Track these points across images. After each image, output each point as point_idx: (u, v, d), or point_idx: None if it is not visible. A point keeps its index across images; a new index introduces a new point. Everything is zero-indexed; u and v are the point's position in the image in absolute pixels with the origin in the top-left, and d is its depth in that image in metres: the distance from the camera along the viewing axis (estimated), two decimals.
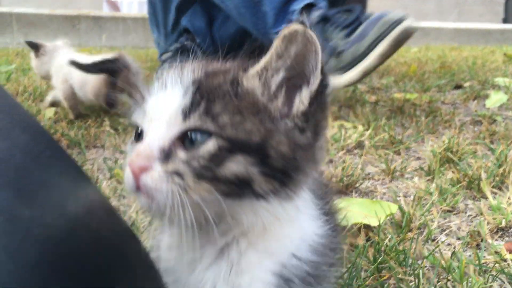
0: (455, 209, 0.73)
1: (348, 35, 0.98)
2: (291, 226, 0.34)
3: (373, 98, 1.41)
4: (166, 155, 0.30)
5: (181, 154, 0.30)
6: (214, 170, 0.29)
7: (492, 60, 2.06)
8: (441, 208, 0.72)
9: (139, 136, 0.33)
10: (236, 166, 0.29)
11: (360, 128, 1.06)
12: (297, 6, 1.07)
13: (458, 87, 1.57)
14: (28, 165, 0.26)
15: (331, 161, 0.92)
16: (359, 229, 0.65)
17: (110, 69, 1.12)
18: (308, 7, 1.08)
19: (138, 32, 3.77)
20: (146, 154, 0.30)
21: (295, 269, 0.33)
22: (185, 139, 0.30)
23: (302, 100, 0.32)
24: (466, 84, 1.57)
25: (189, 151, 0.30)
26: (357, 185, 0.80)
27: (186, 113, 0.30)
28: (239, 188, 0.30)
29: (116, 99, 1.19)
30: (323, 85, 0.32)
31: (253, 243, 0.33)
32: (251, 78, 0.32)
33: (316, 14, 1.04)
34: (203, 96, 0.30)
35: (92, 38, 3.66)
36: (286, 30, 0.31)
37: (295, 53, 0.31)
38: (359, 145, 0.99)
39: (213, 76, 0.32)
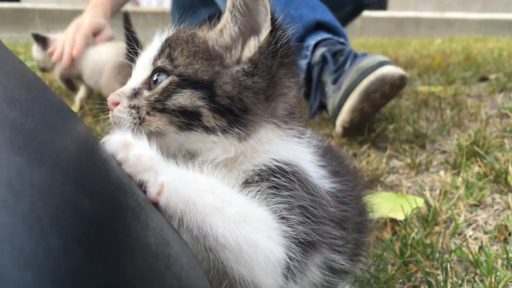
0: (481, 203, 0.72)
1: (334, 81, 0.91)
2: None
3: None
4: (135, 94, 0.38)
5: (145, 92, 0.38)
6: (163, 102, 0.36)
7: None
8: (467, 202, 0.71)
9: None
10: (183, 98, 0.36)
11: (384, 122, 1.05)
12: (311, 41, 1.01)
13: (483, 79, 1.54)
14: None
15: (355, 155, 0.92)
16: (385, 223, 0.65)
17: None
18: (325, 41, 1.02)
19: (158, 26, 3.78)
20: (120, 92, 0.38)
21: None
22: (152, 80, 0.38)
23: (249, 48, 0.38)
24: (492, 76, 1.55)
25: (151, 90, 0.37)
26: (382, 179, 0.80)
27: (155, 60, 0.38)
28: (189, 120, 0.36)
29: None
30: (275, 36, 0.38)
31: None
32: (206, 31, 0.40)
33: (319, 53, 0.98)
34: (169, 46, 0.38)
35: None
36: None
37: (246, 9, 0.37)
38: (383, 138, 0.98)
39: (181, 32, 0.40)
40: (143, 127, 0.36)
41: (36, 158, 0.23)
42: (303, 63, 1.02)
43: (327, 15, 1.09)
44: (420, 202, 0.68)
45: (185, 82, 0.36)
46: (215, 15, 1.40)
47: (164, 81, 0.36)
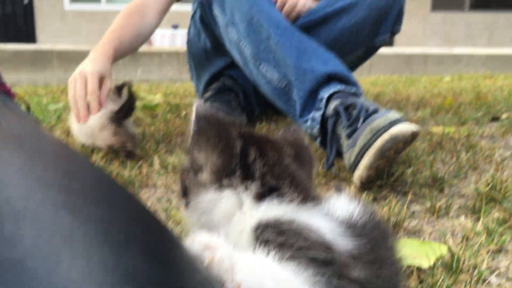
0: (503, 249, 0.74)
1: (349, 136, 0.94)
2: None
3: None
4: None
5: None
6: None
7: None
8: (489, 249, 0.74)
9: None
10: None
11: (401, 165, 1.08)
12: (325, 94, 1.04)
13: (495, 119, 1.58)
14: None
15: (375, 199, 0.95)
16: (411, 271, 0.67)
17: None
18: (337, 93, 1.05)
19: (172, 65, 3.91)
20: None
21: None
22: None
23: None
24: (503, 116, 1.58)
25: None
26: (404, 224, 0.83)
27: None
28: None
29: (133, 148, 1.19)
30: None
31: None
32: None
33: (332, 106, 1.01)
34: None
35: (129, 73, 3.82)
36: None
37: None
38: (402, 182, 1.01)
39: None
40: None
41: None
42: (318, 114, 1.07)
43: (338, 66, 1.14)
44: (444, 249, 0.70)
45: None
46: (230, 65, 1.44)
47: None
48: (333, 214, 0.40)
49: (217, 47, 1.48)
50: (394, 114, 0.93)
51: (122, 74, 3.91)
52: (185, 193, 0.42)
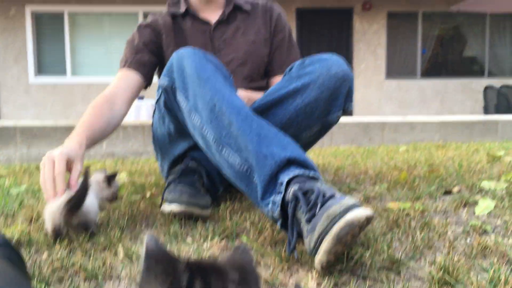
0: None
1: (308, 221, 0.99)
2: None
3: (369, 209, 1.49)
4: None
5: None
6: None
7: (477, 160, 2.19)
8: None
9: None
10: None
11: (360, 247, 1.12)
12: (285, 178, 1.09)
13: (447, 192, 1.67)
14: None
15: (336, 284, 0.98)
16: None
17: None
18: (299, 177, 1.10)
19: (137, 138, 3.94)
20: None
21: None
22: None
23: None
24: (455, 190, 1.67)
25: None
26: None
27: None
28: None
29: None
30: None
31: None
32: None
33: (291, 191, 1.06)
34: None
35: (94, 146, 3.80)
36: None
37: None
38: (361, 265, 1.05)
39: None
40: None
41: None
42: (278, 198, 1.11)
43: (297, 151, 1.20)
44: None
45: None
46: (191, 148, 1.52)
47: None
48: None
49: (181, 131, 1.54)
50: (348, 200, 0.99)
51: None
52: None
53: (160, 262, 0.43)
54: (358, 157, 2.61)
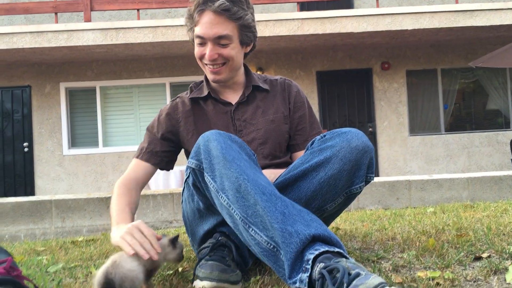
0: None
1: None
2: None
3: (398, 279, 1.49)
4: None
5: None
6: None
7: (506, 222, 2.17)
8: None
9: None
10: None
11: None
12: (311, 255, 1.14)
13: (477, 258, 1.66)
14: None
15: None
16: None
17: None
18: (324, 254, 1.15)
19: (167, 207, 4.04)
20: None
21: None
22: None
23: None
24: (484, 255, 1.66)
25: None
26: None
27: None
28: None
29: None
30: None
31: None
32: None
33: (317, 270, 1.10)
34: None
35: None
36: None
37: None
38: None
39: None
40: None
41: None
42: (305, 276, 1.15)
43: (321, 228, 1.25)
44: None
45: None
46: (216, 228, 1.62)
47: None
48: None
49: (210, 207, 1.61)
50: (373, 280, 1.02)
51: None
52: None
53: None
54: (386, 221, 2.61)
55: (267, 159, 1.85)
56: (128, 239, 1.35)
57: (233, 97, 1.93)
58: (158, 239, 1.44)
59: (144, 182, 1.86)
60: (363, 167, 1.55)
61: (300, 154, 1.83)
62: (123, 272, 1.25)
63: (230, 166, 1.40)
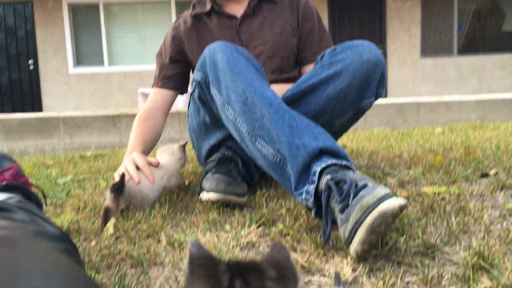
0: None
1: (341, 211, 1.01)
2: None
3: (403, 193, 1.50)
4: None
5: None
6: None
7: None
8: None
9: None
10: None
11: (394, 233, 1.14)
12: (318, 168, 1.11)
13: (484, 175, 1.65)
14: None
15: (371, 270, 1.00)
16: None
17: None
18: (332, 166, 1.12)
19: (174, 125, 4.03)
20: None
21: None
22: None
23: None
24: (492, 172, 1.66)
25: None
26: None
27: None
28: None
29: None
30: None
31: None
32: None
33: (324, 181, 1.08)
34: None
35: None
36: None
37: None
38: (396, 251, 1.07)
39: None
40: None
41: None
42: (311, 188, 1.14)
43: (328, 141, 1.22)
44: None
45: None
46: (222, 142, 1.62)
47: None
48: None
49: (215, 121, 1.58)
50: (381, 190, 1.00)
51: (125, 137, 4.02)
52: None
53: (202, 265, 0.47)
54: (393, 140, 2.59)
55: (275, 73, 1.79)
56: (123, 168, 1.51)
57: (238, 10, 1.83)
58: (155, 165, 1.57)
59: (165, 108, 1.87)
60: (374, 82, 1.49)
61: (309, 68, 1.76)
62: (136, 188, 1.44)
63: (236, 78, 1.35)
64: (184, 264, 0.48)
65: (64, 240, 0.70)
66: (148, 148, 1.71)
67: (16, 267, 0.40)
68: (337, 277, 0.78)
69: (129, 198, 1.43)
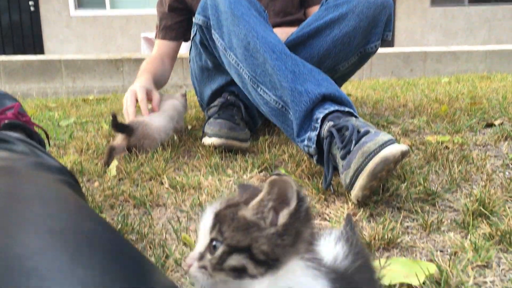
0: (489, 265, 0.81)
1: (343, 158, 1.00)
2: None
3: (407, 142, 1.49)
4: (201, 256, 0.49)
5: (208, 256, 0.48)
6: (222, 264, 0.47)
7: None
8: (476, 264, 0.80)
9: None
10: (233, 261, 0.47)
11: (396, 180, 1.15)
12: (320, 114, 1.10)
13: (489, 125, 1.64)
14: None
15: (371, 215, 1.01)
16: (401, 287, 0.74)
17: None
18: (334, 113, 1.11)
19: (177, 71, 3.97)
20: (192, 256, 0.49)
21: None
22: (212, 246, 0.48)
23: (283, 215, 0.48)
24: (497, 122, 1.64)
25: (211, 254, 0.48)
26: (398, 241, 0.89)
27: (210, 231, 0.49)
28: (239, 273, 0.47)
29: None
30: (299, 205, 0.48)
31: None
32: (244, 209, 0.49)
33: (326, 127, 1.06)
34: (218, 221, 0.49)
35: (134, 79, 3.87)
36: (270, 179, 0.48)
37: (277, 191, 0.48)
38: (397, 197, 1.08)
39: (225, 209, 0.50)
40: (211, 279, 0.48)
41: None
42: (313, 134, 1.13)
43: (332, 87, 1.20)
44: (432, 267, 0.77)
45: (232, 249, 0.47)
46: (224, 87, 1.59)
47: (219, 249, 0.47)
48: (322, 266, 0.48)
49: (218, 66, 1.55)
50: (383, 136, 0.99)
51: (128, 81, 3.97)
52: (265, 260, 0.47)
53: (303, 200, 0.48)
54: (398, 89, 2.56)
55: (279, 16, 1.74)
56: (125, 100, 1.55)
57: None
58: (155, 103, 1.58)
59: (170, 56, 1.87)
60: (380, 24, 1.45)
61: (314, 10, 1.70)
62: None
63: (238, 22, 1.31)
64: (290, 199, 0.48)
65: (65, 173, 0.70)
66: (156, 80, 1.70)
67: (16, 195, 0.40)
68: (349, 217, 0.79)
69: (141, 138, 1.44)
